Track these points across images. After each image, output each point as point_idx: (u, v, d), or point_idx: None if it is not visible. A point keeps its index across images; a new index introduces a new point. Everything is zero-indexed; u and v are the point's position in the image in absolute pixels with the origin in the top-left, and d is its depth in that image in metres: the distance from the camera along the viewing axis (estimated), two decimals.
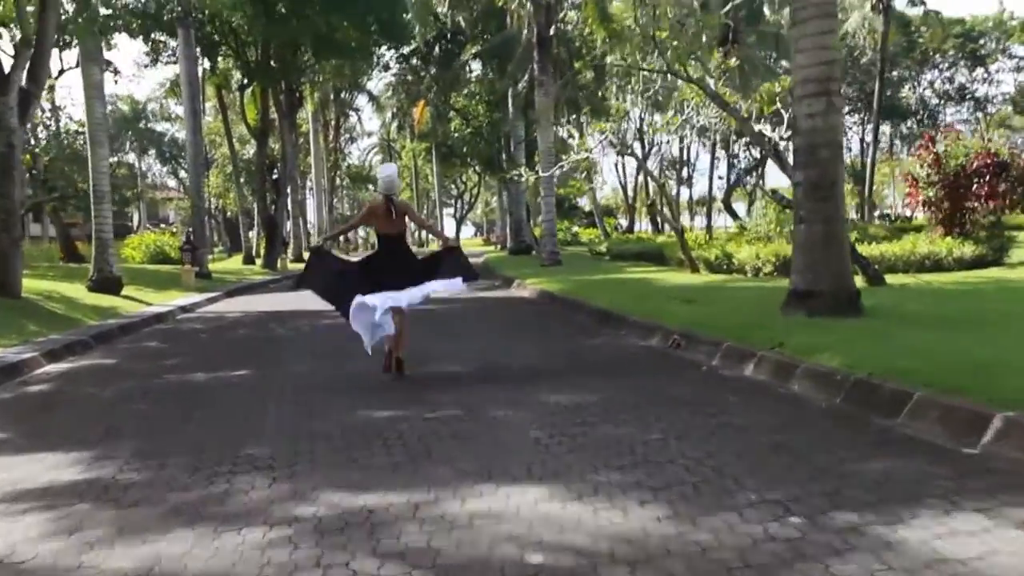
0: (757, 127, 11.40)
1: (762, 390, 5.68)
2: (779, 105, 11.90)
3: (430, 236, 60.13)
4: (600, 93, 24.08)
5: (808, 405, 5.16)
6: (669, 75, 15.60)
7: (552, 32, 22.54)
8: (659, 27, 11.50)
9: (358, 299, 6.38)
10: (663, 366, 6.94)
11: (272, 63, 27.85)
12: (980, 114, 54.11)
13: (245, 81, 29.29)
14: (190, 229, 20.40)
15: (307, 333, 10.74)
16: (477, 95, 37.47)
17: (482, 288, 18.02)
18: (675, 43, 11.79)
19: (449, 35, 33.65)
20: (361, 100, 58.84)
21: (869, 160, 33.57)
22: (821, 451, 4.16)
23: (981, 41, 51.80)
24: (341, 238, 57.52)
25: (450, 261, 6.94)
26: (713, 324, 7.87)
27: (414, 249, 7.87)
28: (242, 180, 38.12)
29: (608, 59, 20.05)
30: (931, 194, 14.58)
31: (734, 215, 49.44)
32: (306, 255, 39.23)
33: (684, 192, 64.77)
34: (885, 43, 31.31)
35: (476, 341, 9.11)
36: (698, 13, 12.26)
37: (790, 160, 10.51)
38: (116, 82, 30.78)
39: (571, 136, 15.12)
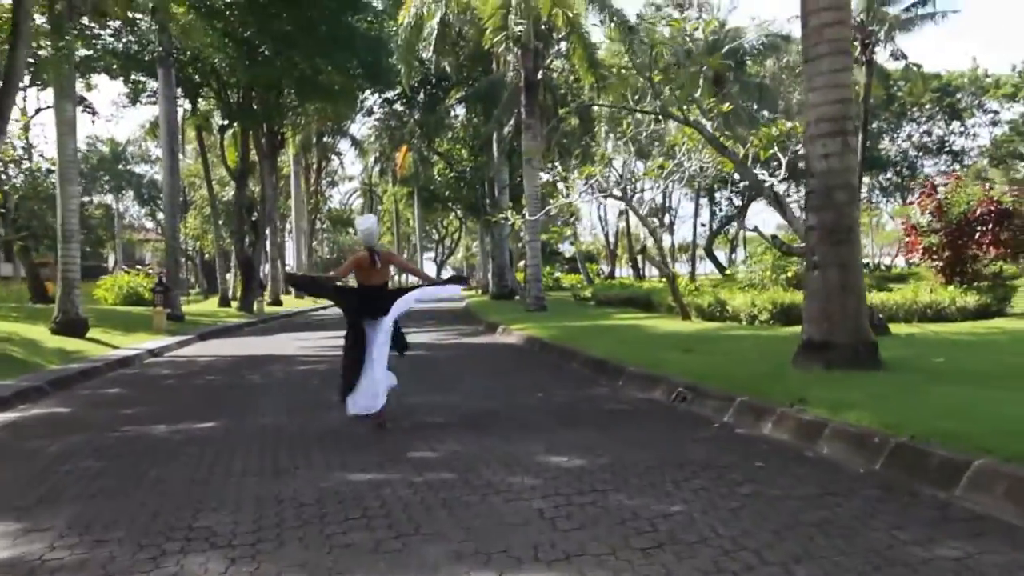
0: (755, 172, 11.04)
1: (787, 453, 5.09)
2: (777, 149, 11.56)
3: (411, 279, 59.72)
4: (585, 140, 23.87)
5: (844, 471, 4.57)
6: (659, 119, 15.31)
7: (539, 77, 22.36)
8: (655, 70, 11.19)
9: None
10: (671, 423, 6.34)
11: (254, 105, 27.43)
12: (957, 166, 54.84)
13: (226, 122, 28.81)
14: (163, 270, 19.69)
15: (280, 380, 10.06)
16: (461, 139, 37.32)
17: (466, 334, 17.40)
18: (671, 86, 11.47)
19: (434, 80, 33.53)
20: (344, 144, 58.56)
21: None
22: (874, 530, 3.57)
23: (958, 96, 52.79)
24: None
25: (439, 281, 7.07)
26: (720, 376, 7.31)
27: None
28: (220, 222, 37.48)
29: (595, 106, 19.84)
30: (933, 241, 14.24)
31: (716, 262, 49.37)
32: (283, 297, 38.63)
33: (667, 239, 64.89)
34: (868, 95, 31.53)
35: (464, 391, 8.48)
36: (692, 55, 11.98)
37: (792, 205, 10.13)
38: (93, 122, 30.27)
39: (561, 179, 14.70)
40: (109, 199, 72.34)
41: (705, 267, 60.30)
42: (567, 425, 6.31)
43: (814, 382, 6.40)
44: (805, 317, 7.44)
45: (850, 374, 6.63)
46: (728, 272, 32.59)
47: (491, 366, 11.03)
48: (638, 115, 14.86)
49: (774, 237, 10.85)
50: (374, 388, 6.39)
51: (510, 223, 17.88)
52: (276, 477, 4.98)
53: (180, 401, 8.76)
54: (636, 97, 15.24)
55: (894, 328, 10.82)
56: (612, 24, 21.79)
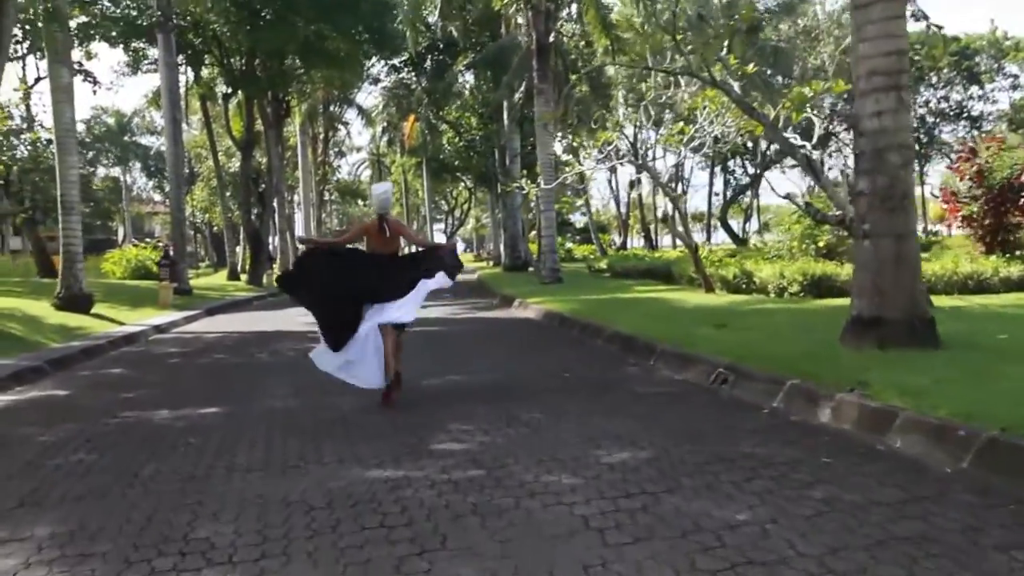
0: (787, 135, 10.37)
1: (855, 446, 4.54)
2: (810, 111, 10.88)
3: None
4: (599, 107, 23.05)
5: (927, 471, 4.03)
6: (673, 83, 14.64)
7: (551, 40, 21.55)
8: (678, 28, 10.49)
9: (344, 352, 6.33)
10: (715, 409, 5.80)
11: (258, 72, 26.74)
12: (975, 132, 53.61)
13: (230, 90, 28.12)
14: (169, 243, 19.20)
15: (290, 359, 9.57)
16: (470, 107, 36.53)
17: (480, 308, 16.88)
18: (694, 45, 10.77)
19: (441, 45, 32.68)
20: (350, 114, 57.81)
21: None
22: (986, 549, 3.04)
23: (976, 59, 51.47)
24: None
25: (434, 259, 6.58)
26: (762, 355, 6.75)
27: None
28: (228, 194, 36.94)
29: (612, 67, 19.07)
30: (973, 209, 13.56)
31: (731, 232, 48.52)
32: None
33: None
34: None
35: (484, 372, 7.96)
36: (721, 8, 11.26)
37: (827, 171, 9.51)
38: (95, 92, 29.35)
39: (581, 145, 14.03)
40: (116, 171, 71.98)
41: (718, 236, 59.54)
42: (601, 411, 5.79)
43: (870, 363, 5.84)
44: (854, 291, 6.86)
45: (907, 353, 6.06)
46: (756, 244, 31.87)
47: (511, 343, 10.50)
48: (658, 78, 14.18)
49: (808, 204, 10.19)
50: (378, 360, 6.21)
51: (524, 192, 17.23)
52: (283, 474, 4.49)
53: (184, 382, 8.28)
54: (656, 57, 14.59)
55: (936, 301, 10.21)
56: None
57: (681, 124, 14.62)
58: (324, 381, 6.82)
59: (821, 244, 14.51)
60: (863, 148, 6.64)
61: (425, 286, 6.39)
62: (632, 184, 64.69)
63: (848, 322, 6.81)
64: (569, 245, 53.96)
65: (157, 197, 74.18)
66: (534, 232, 32.43)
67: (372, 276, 6.35)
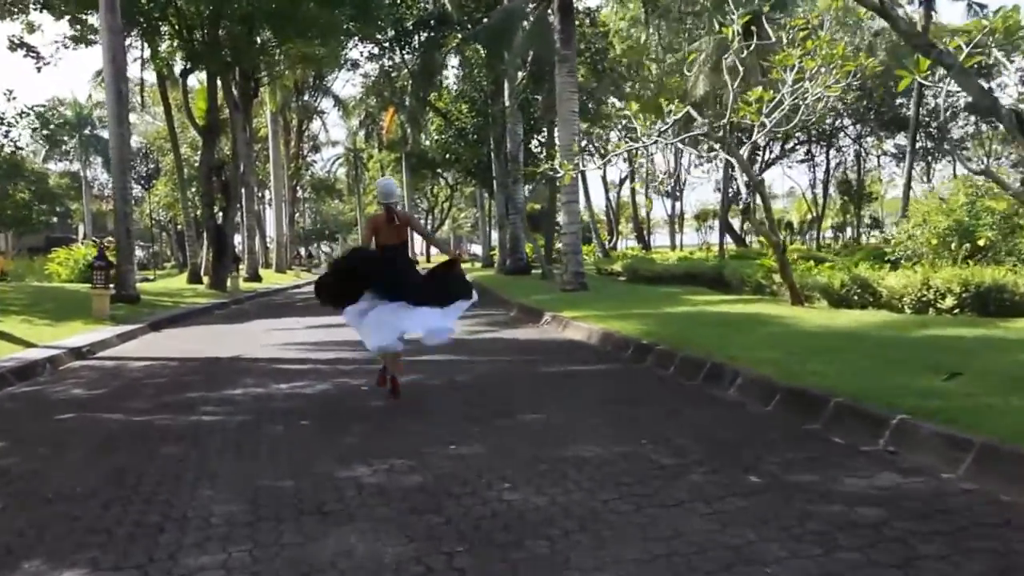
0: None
1: None
2: (999, 53, 7.61)
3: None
4: (635, 79, 19.62)
5: None
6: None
7: None
8: None
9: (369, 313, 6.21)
10: None
11: (222, 43, 22.99)
12: (985, 126, 50.97)
13: (188, 65, 24.28)
14: (103, 240, 15.49)
15: (246, 422, 6.05)
16: (461, 93, 33.06)
17: (499, 323, 13.36)
18: None
19: (432, 22, 29.14)
20: (326, 103, 54.03)
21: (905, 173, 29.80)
22: None
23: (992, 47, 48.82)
24: (303, 253, 52.55)
25: (450, 279, 6.58)
26: None
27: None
28: (193, 188, 33.18)
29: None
30: None
31: (732, 232, 45.23)
32: (263, 271, 34.12)
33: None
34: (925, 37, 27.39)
35: (581, 471, 4.43)
36: None
37: None
38: (39, 69, 25.48)
39: (636, 119, 10.53)
40: (76, 167, 67.59)
41: (713, 238, 56.35)
42: None
43: None
44: None
45: None
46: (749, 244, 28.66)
47: (585, 395, 6.67)
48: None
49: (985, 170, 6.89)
50: (393, 324, 6.12)
51: (559, 176, 13.74)
52: None
53: (44, 485, 4.64)
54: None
55: None
56: None
57: (759, 90, 11.27)
58: (300, 485, 3.40)
59: (981, 242, 11.09)
60: None
61: (460, 307, 6.39)
62: (623, 180, 61.52)
63: None
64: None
65: None
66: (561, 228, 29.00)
67: (394, 271, 6.36)
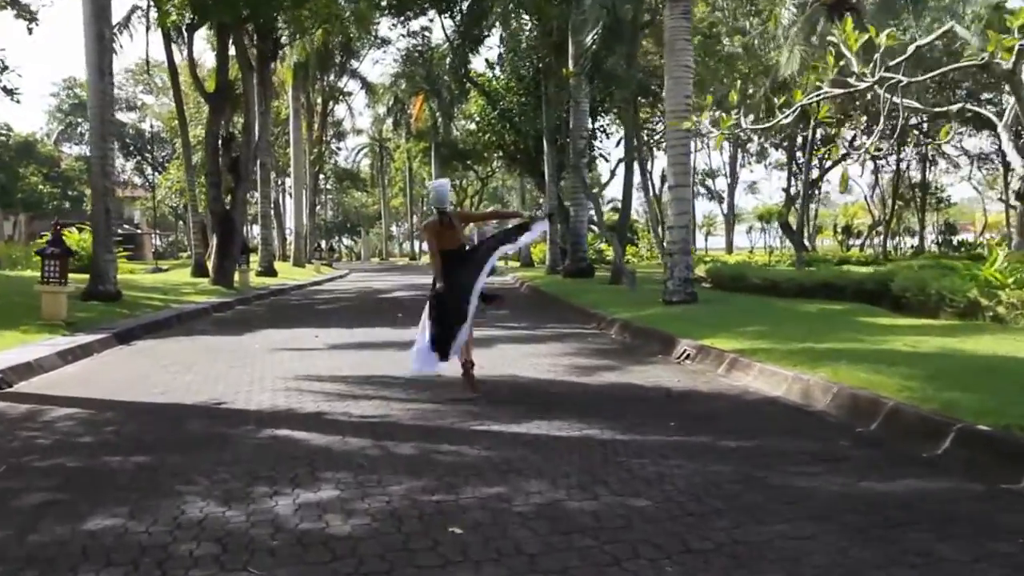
0: None
1: None
2: None
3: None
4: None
5: None
6: None
7: None
8: None
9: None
10: None
11: None
12: None
13: (195, 19, 20.41)
14: (57, 221, 11.68)
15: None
16: (508, 65, 29.16)
17: (605, 353, 9.23)
18: None
19: None
20: (352, 85, 50.31)
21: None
22: None
23: None
24: (324, 247, 48.80)
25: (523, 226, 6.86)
26: None
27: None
28: (199, 167, 29.41)
29: None
30: None
31: (791, 234, 41.08)
32: (279, 264, 30.26)
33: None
34: None
35: None
36: None
37: None
38: (31, 31, 21.85)
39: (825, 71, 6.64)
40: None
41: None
42: None
43: None
44: None
45: None
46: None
47: None
48: None
49: None
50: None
51: (691, 137, 9.43)
52: None
53: None
54: None
55: None
56: None
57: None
58: None
59: None
60: None
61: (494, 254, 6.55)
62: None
63: None
64: (601, 245, 46.40)
65: (137, 180, 66.47)
66: (669, 220, 25.08)
67: (463, 273, 6.37)
